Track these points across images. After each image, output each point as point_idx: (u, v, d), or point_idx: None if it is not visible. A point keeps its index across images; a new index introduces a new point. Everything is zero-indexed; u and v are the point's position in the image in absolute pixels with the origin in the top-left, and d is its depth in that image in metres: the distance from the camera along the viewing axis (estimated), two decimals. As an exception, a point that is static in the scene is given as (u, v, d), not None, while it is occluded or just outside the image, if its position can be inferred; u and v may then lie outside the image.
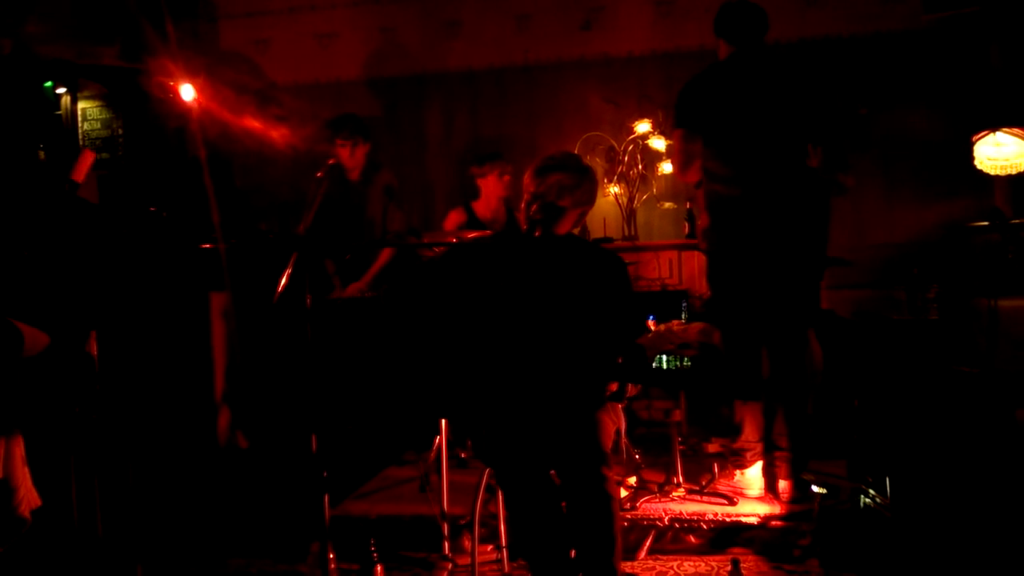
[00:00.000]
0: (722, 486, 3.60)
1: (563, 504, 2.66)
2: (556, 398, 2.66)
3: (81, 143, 4.62)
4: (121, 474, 3.27)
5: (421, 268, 4.51)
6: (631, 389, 2.85)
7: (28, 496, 2.59)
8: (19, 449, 2.58)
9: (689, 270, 4.84)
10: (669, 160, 3.70)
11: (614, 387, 2.76)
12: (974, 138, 4.48)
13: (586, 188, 2.81)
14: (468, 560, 2.99)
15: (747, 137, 3.44)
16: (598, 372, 2.73)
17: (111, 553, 3.11)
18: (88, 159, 3.78)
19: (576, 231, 2.95)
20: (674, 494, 3.55)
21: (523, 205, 2.82)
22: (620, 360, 2.75)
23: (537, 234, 2.78)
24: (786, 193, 3.42)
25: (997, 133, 4.40)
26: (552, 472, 2.70)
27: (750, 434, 3.59)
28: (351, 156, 4.56)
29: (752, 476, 3.61)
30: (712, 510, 3.38)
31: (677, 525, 3.35)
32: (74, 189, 3.52)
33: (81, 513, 3.01)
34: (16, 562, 2.71)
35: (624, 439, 3.89)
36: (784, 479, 3.49)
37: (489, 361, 2.74)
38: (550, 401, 2.65)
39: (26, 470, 2.60)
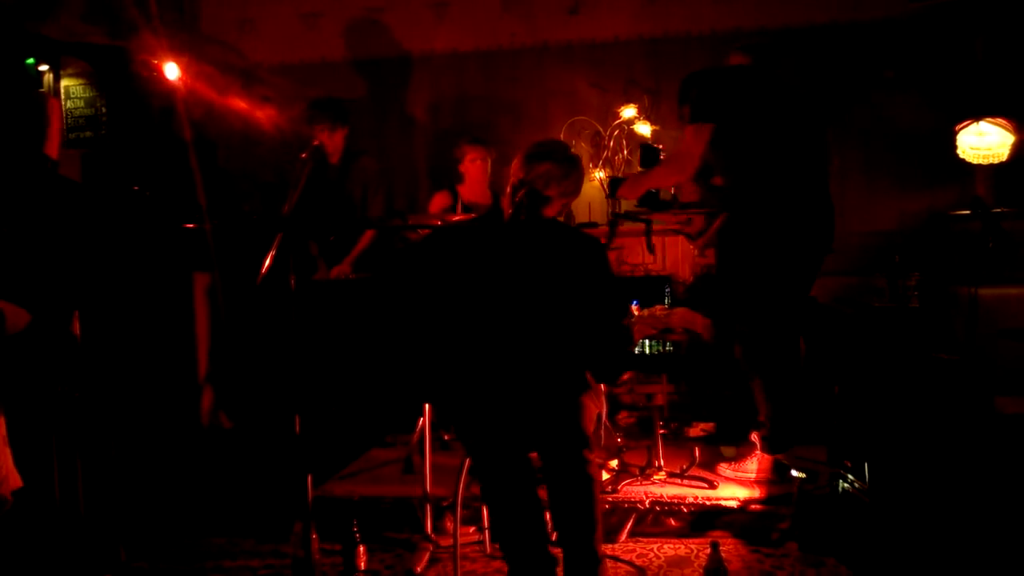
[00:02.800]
0: (727, 472, 3.61)
1: (541, 490, 2.68)
2: (539, 382, 2.67)
3: (64, 122, 4.57)
4: (103, 454, 3.26)
5: (403, 251, 4.51)
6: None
7: (9, 477, 2.57)
8: (0, 429, 2.56)
9: (672, 256, 4.86)
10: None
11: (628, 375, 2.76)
12: (957, 127, 4.50)
13: (573, 179, 2.83)
14: (450, 541, 3.01)
15: (768, 134, 3.47)
16: (581, 356, 2.74)
17: (93, 533, 3.11)
18: (56, 108, 3.74)
19: (560, 217, 2.95)
20: (655, 477, 3.58)
21: (508, 190, 2.82)
22: (610, 343, 2.77)
23: (523, 219, 2.78)
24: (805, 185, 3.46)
25: (980, 123, 4.43)
26: (532, 456, 2.72)
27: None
28: (329, 140, 4.54)
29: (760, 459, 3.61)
30: (692, 493, 3.41)
31: (658, 508, 3.37)
32: (55, 167, 3.49)
33: (63, 493, 3.01)
34: (-4, 542, 2.70)
35: (606, 422, 3.92)
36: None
37: (471, 346, 2.75)
38: (533, 385, 2.66)
39: (8, 450, 2.58)
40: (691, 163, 3.50)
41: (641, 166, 4.01)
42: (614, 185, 3.70)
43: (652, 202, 3.73)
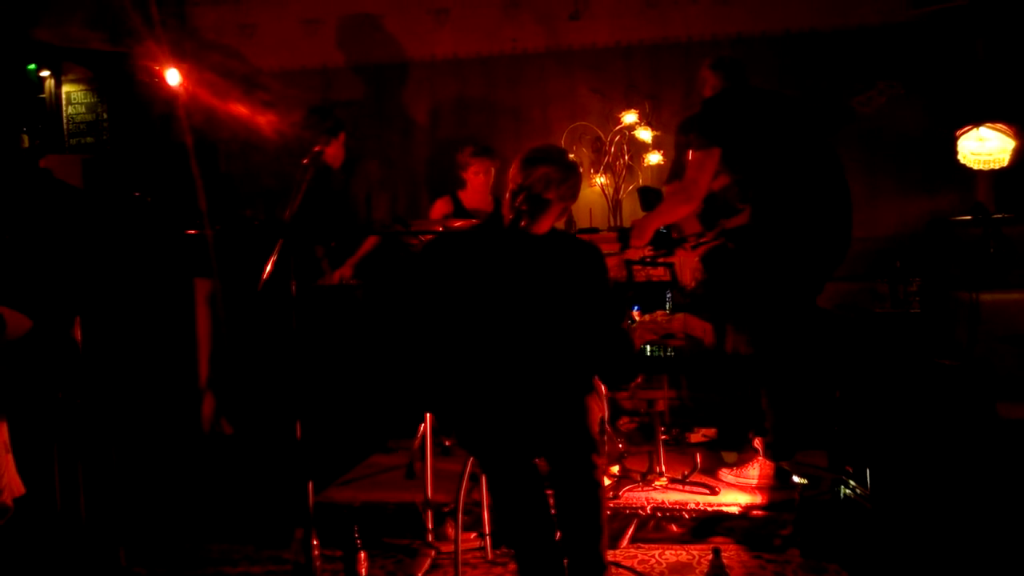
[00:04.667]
0: (729, 478, 3.61)
1: (548, 492, 2.67)
2: (544, 387, 2.67)
3: (65, 128, 4.57)
4: (105, 460, 3.26)
5: (403, 259, 4.51)
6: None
7: (11, 484, 2.57)
8: (2, 436, 2.56)
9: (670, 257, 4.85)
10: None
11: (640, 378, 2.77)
12: (957, 132, 4.50)
13: (572, 183, 2.82)
14: (452, 547, 3.00)
15: (774, 144, 3.50)
16: (583, 360, 2.74)
17: (94, 539, 3.11)
18: None
19: (560, 223, 2.96)
20: (657, 483, 3.57)
21: (508, 196, 2.83)
22: (616, 349, 2.77)
23: (523, 224, 2.78)
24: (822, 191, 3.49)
25: (980, 128, 4.43)
26: (538, 460, 2.71)
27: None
28: (327, 149, 4.53)
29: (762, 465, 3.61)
30: (694, 499, 3.40)
31: (659, 514, 3.37)
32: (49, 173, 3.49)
33: (64, 499, 3.00)
34: (-2, 549, 2.70)
35: (607, 428, 3.91)
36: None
37: (473, 354, 2.75)
38: (538, 390, 2.66)
39: (9, 457, 2.58)
40: (698, 192, 3.51)
41: (643, 210, 4.01)
42: (624, 236, 3.70)
43: (666, 242, 3.74)
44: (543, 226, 2.83)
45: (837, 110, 3.62)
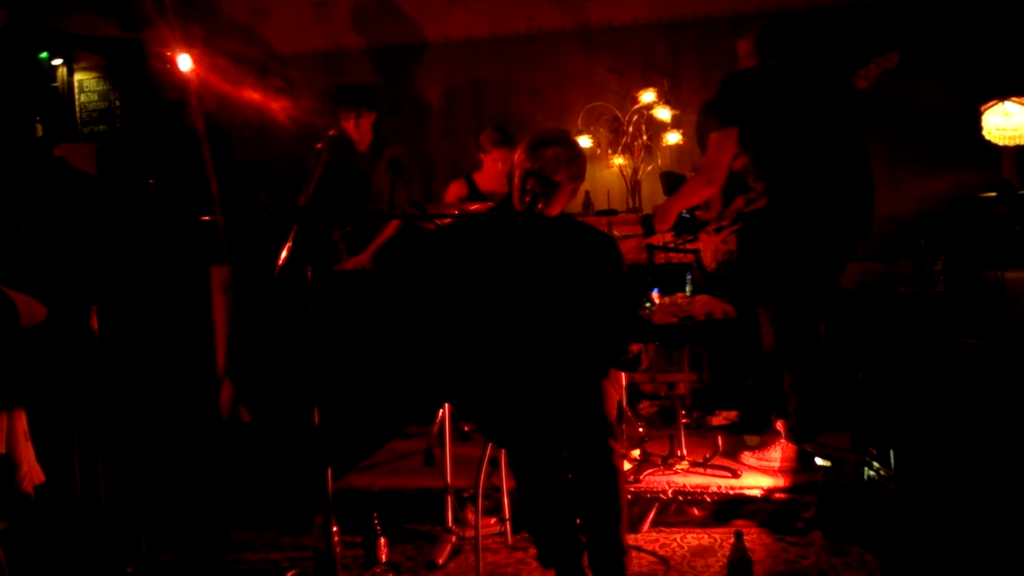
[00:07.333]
0: (751, 461, 3.58)
1: (569, 476, 2.66)
2: (560, 373, 2.65)
3: (78, 116, 4.56)
4: (124, 448, 3.28)
5: (415, 245, 4.48)
6: (644, 360, 2.85)
7: (31, 472, 2.58)
8: (21, 424, 2.56)
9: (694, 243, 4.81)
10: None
11: (635, 348, 2.74)
12: (982, 107, 4.42)
13: (580, 162, 2.82)
14: (472, 532, 3.00)
15: (791, 123, 3.45)
16: (599, 345, 2.72)
17: (115, 527, 3.13)
18: None
19: (576, 202, 2.94)
20: (678, 467, 3.56)
21: (517, 182, 2.80)
22: (628, 332, 2.74)
23: (540, 207, 2.76)
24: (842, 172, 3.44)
25: (1006, 102, 4.34)
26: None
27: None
28: (356, 128, 4.49)
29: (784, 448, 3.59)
30: (716, 483, 3.38)
31: (681, 498, 3.35)
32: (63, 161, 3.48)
33: (84, 487, 3.02)
34: (20, 537, 2.70)
35: (627, 412, 3.89)
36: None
37: (488, 341, 2.73)
38: (555, 376, 2.65)
39: (29, 445, 2.59)
40: (718, 172, 3.48)
41: (666, 194, 3.97)
42: (647, 223, 3.65)
43: (689, 226, 3.70)
44: (555, 209, 2.82)
45: (840, 89, 3.57)
